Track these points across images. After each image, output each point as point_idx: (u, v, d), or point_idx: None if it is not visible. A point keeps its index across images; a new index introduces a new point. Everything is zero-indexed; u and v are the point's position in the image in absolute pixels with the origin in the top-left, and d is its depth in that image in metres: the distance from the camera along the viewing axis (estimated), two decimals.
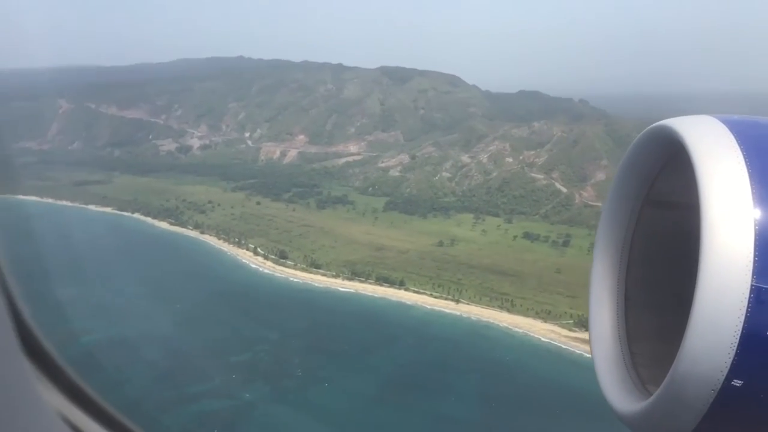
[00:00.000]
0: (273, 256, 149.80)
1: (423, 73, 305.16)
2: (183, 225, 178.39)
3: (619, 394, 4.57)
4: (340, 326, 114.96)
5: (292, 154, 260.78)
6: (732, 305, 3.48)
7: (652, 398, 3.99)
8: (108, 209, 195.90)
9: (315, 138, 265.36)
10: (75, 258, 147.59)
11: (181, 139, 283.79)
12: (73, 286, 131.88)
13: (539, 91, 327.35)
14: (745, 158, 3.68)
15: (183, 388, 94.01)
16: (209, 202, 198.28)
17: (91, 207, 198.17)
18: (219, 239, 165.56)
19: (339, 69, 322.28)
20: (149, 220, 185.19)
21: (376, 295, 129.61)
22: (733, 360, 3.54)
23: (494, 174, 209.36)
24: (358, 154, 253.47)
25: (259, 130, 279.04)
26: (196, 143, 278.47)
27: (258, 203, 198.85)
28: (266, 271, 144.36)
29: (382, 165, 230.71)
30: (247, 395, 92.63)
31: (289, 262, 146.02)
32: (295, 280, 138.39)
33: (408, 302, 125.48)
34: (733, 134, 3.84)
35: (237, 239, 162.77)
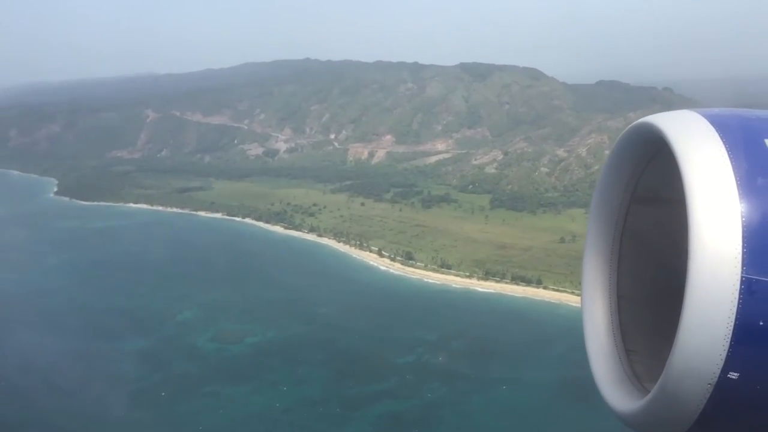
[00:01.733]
0: (399, 258, 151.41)
1: (502, 68, 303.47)
2: (297, 228, 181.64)
3: (616, 392, 4.64)
4: (493, 326, 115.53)
5: (380, 154, 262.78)
6: (723, 298, 3.50)
7: (649, 396, 3.96)
8: (218, 215, 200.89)
9: (402, 137, 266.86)
10: (213, 263, 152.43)
11: (267, 142, 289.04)
12: (219, 290, 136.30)
13: (618, 80, 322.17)
14: (727, 150, 3.71)
15: (362, 387, 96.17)
16: (314, 204, 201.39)
17: (201, 213, 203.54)
18: (338, 242, 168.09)
19: (416, 67, 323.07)
20: (262, 224, 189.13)
21: (516, 295, 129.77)
22: (728, 353, 3.55)
23: (595, 167, 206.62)
24: (447, 151, 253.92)
25: (344, 132, 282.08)
26: (282, 146, 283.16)
27: (362, 204, 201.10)
28: (396, 272, 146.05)
29: (476, 162, 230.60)
30: (429, 395, 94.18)
31: (418, 263, 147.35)
32: (430, 281, 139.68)
33: (553, 301, 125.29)
34: (715, 127, 3.87)
35: (357, 241, 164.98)
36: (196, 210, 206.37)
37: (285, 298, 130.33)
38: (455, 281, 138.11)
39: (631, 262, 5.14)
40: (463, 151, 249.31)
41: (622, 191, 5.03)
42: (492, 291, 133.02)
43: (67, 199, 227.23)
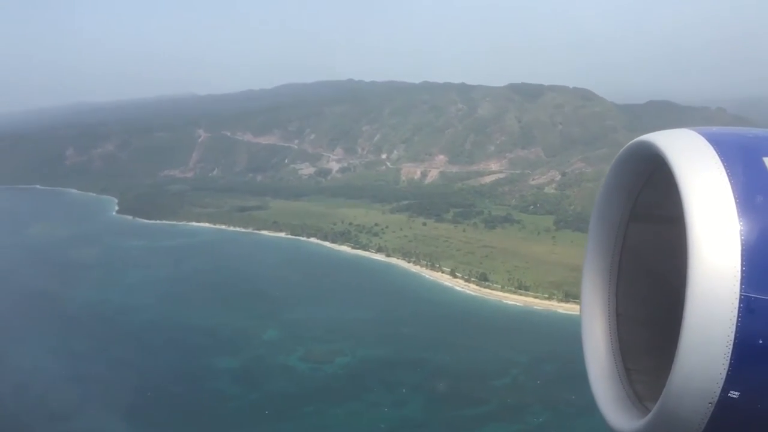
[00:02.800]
0: (474, 279, 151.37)
1: (552, 89, 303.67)
2: (364, 248, 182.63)
3: (616, 412, 4.58)
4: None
5: (433, 174, 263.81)
6: (723, 316, 3.48)
7: (649, 416, 3.94)
8: (282, 234, 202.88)
9: (454, 157, 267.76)
10: (288, 282, 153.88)
11: (318, 162, 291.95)
12: (300, 309, 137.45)
13: (669, 100, 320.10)
14: (726, 169, 3.71)
15: (463, 410, 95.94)
16: (376, 224, 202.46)
17: (265, 232, 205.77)
18: (408, 262, 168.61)
19: (463, 88, 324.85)
20: (327, 244, 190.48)
21: None
22: (728, 371, 3.53)
23: None
24: (501, 171, 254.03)
25: (395, 152, 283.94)
26: (334, 166, 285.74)
27: (424, 224, 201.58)
28: (473, 293, 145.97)
29: (534, 182, 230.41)
30: (534, 420, 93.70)
31: (495, 285, 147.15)
32: (510, 302, 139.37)
33: None
34: (713, 146, 3.87)
35: (427, 262, 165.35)
36: (259, 229, 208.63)
37: (368, 318, 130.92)
38: (536, 303, 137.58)
39: (631, 280, 5.19)
40: (517, 172, 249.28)
41: (620, 209, 5.08)
42: (574, 313, 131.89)
43: (130, 217, 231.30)
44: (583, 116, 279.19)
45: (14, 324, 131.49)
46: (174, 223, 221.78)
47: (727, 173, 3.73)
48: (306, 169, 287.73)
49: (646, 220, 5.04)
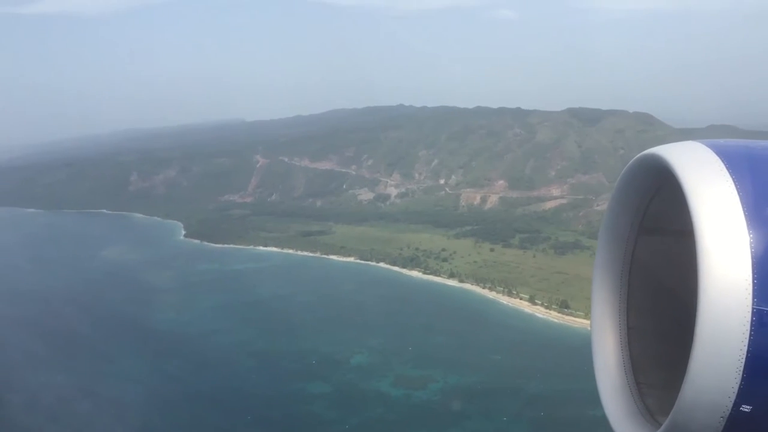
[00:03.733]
0: (555, 306, 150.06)
1: (612, 113, 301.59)
2: (436, 274, 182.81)
3: (627, 427, 4.48)
4: None
5: (493, 199, 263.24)
6: (734, 330, 3.45)
7: (660, 430, 3.90)
8: (350, 259, 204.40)
9: (514, 183, 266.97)
10: (365, 307, 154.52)
11: (376, 187, 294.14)
12: (382, 334, 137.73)
13: (731, 125, 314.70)
14: (734, 182, 3.69)
15: None
16: (443, 249, 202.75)
17: (333, 257, 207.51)
18: (483, 288, 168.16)
19: (519, 113, 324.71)
20: (397, 269, 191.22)
21: None
22: (740, 385, 3.49)
23: None
24: (563, 197, 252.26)
25: (454, 177, 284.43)
26: (393, 191, 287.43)
27: (492, 250, 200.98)
28: (555, 321, 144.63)
29: (599, 208, 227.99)
30: None
31: (578, 312, 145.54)
32: None
33: None
34: (721, 159, 3.85)
35: (503, 288, 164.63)
36: (327, 254, 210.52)
37: (453, 344, 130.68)
38: None
39: (641, 293, 5.11)
40: (579, 197, 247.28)
41: (629, 222, 5.03)
42: None
43: (197, 241, 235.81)
44: (644, 141, 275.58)
45: (108, 346, 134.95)
46: (241, 247, 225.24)
47: (736, 185, 3.69)
48: (365, 195, 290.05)
49: (655, 233, 5.07)
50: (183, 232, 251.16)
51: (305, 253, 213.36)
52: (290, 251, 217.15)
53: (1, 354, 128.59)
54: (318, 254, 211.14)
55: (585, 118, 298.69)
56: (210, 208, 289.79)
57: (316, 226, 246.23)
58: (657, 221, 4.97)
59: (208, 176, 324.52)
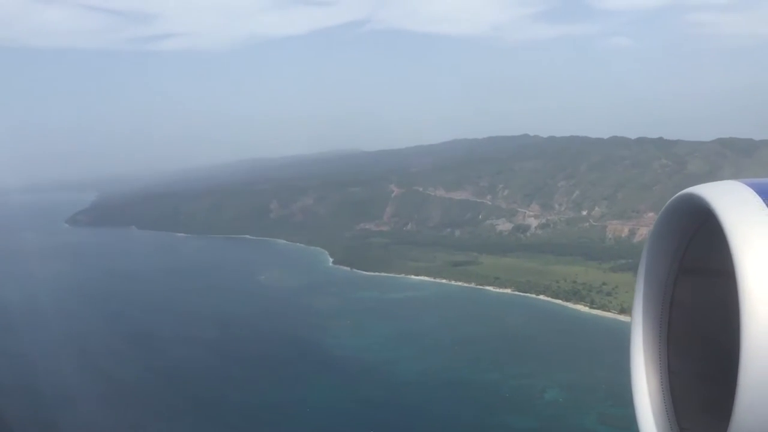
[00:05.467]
0: None
1: (766, 144, 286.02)
2: (604, 308, 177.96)
3: None
4: None
5: (642, 231, 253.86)
6: None
7: None
8: (507, 290, 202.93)
9: None
10: (542, 341, 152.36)
11: (514, 218, 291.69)
12: (569, 369, 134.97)
13: None
14: None
15: None
16: (603, 283, 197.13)
17: (489, 288, 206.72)
18: None
19: (661, 143, 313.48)
20: (560, 302, 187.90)
21: None
22: None
23: None
24: None
25: (597, 208, 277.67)
26: (533, 222, 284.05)
27: None
28: None
29: None
30: None
31: None
32: None
33: None
34: (762, 198, 3.76)
35: None
36: (481, 284, 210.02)
37: None
38: None
39: (682, 336, 4.80)
40: None
41: (668, 264, 4.77)
42: None
43: (347, 268, 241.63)
44: None
45: (297, 370, 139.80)
46: (392, 275, 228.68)
47: None
48: (503, 225, 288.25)
49: (695, 274, 4.75)
50: (330, 259, 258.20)
51: (459, 283, 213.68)
52: (443, 281, 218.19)
53: (210, 376, 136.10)
54: (473, 285, 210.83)
55: (737, 148, 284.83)
56: (348, 236, 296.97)
57: (460, 256, 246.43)
58: (697, 262, 4.71)
59: (344, 204, 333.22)
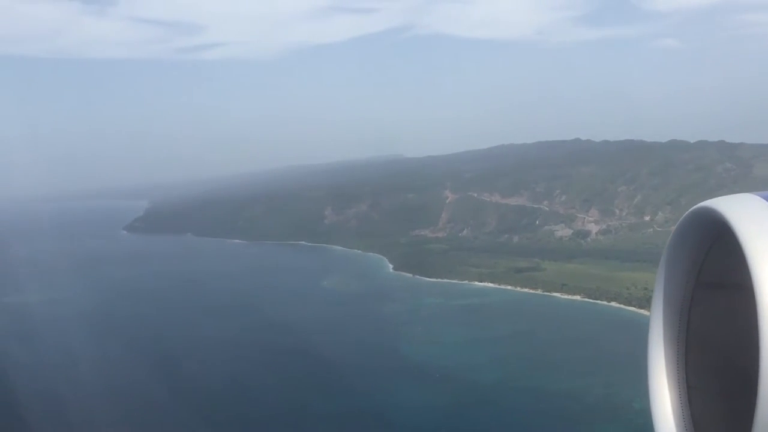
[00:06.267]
0: None
1: None
2: None
3: None
4: None
5: None
6: None
7: None
8: (576, 297, 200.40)
9: None
10: (626, 349, 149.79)
11: (573, 224, 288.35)
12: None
13: None
14: None
15: None
16: None
17: (556, 294, 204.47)
18: None
19: (724, 146, 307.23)
20: (633, 308, 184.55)
21: None
22: None
23: None
24: None
25: (660, 213, 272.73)
26: (593, 228, 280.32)
27: None
28: None
29: None
30: None
31: None
32: None
33: None
34: None
35: None
36: (548, 291, 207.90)
37: None
38: None
39: (700, 351, 4.74)
40: None
41: (685, 277, 4.72)
42: None
43: (409, 275, 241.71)
44: None
45: (383, 375, 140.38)
46: (455, 282, 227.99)
47: None
48: (562, 231, 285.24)
49: (711, 288, 4.71)
50: (390, 266, 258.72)
51: (525, 290, 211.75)
52: (508, 287, 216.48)
53: (298, 382, 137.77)
54: (539, 291, 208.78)
55: None
56: (404, 242, 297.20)
57: (522, 263, 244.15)
58: (713, 276, 4.70)
59: (398, 211, 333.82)
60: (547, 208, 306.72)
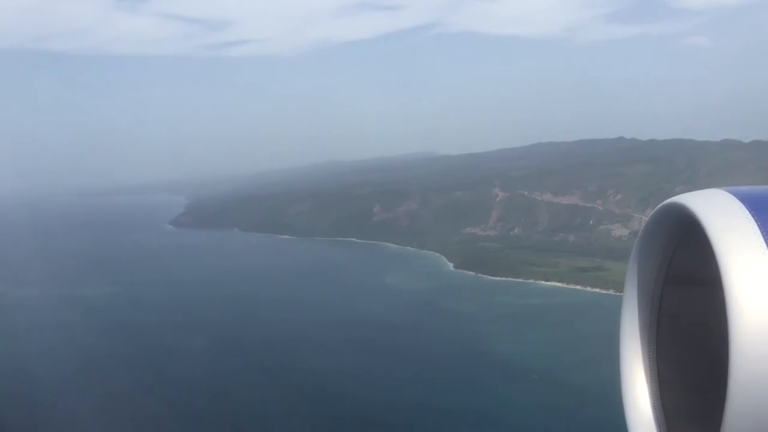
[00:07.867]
0: None
1: None
2: None
3: None
4: None
5: None
6: None
7: None
8: None
9: None
10: None
11: (630, 223, 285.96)
12: None
13: None
14: (760, 230, 3.62)
15: None
16: None
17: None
18: None
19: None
20: None
21: None
22: None
23: None
24: None
25: None
26: None
27: None
28: None
29: None
30: None
31: None
32: None
33: None
34: (746, 206, 3.73)
35: None
36: (620, 291, 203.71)
37: None
38: None
39: (670, 344, 4.65)
40: None
41: (654, 272, 4.63)
42: None
43: (471, 273, 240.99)
44: None
45: (483, 376, 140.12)
46: (520, 281, 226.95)
47: (762, 233, 3.59)
48: (618, 230, 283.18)
49: (681, 282, 4.61)
50: (450, 263, 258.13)
51: (595, 290, 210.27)
52: (577, 287, 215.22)
53: (395, 380, 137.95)
54: (611, 291, 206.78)
55: None
56: (456, 240, 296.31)
57: (583, 262, 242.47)
58: (683, 271, 4.61)
59: (448, 208, 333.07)
60: (601, 208, 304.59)
